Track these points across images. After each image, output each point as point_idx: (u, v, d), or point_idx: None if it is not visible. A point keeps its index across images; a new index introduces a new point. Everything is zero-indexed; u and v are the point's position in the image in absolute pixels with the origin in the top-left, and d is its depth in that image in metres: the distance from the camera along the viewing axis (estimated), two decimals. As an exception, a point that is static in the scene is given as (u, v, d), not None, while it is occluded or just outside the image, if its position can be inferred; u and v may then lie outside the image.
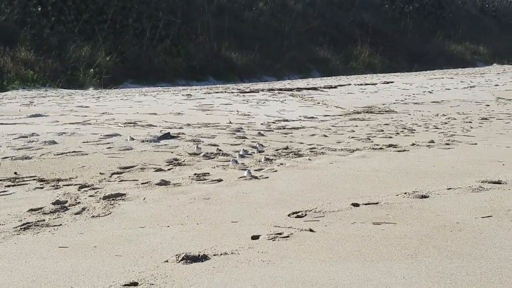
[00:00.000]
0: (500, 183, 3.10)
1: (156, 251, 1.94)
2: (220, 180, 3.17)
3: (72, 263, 1.84)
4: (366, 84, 11.44)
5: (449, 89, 10.46)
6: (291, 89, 10.15)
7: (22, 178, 3.17)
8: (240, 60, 13.27)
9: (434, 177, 3.30)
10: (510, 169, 3.57)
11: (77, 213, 2.46)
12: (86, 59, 11.05)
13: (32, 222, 2.27)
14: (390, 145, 4.62)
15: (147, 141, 4.57)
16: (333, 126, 6.12)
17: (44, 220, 2.33)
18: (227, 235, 2.12)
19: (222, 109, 7.49)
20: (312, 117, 6.90)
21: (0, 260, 1.86)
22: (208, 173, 3.38)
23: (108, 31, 11.98)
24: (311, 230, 2.16)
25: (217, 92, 9.92)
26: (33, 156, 3.77)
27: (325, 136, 5.30)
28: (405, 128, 5.92)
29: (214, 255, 1.89)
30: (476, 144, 4.77)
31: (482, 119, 6.77)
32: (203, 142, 4.72)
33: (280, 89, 10.13)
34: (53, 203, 2.59)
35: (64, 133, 4.77)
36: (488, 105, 8.22)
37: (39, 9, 10.77)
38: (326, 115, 7.13)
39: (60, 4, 11.43)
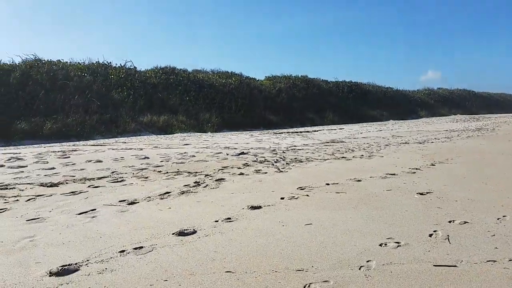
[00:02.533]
0: (395, 175, 5.68)
1: (239, 203, 4.06)
2: (265, 173, 5.98)
3: (202, 209, 3.82)
4: (331, 129, 18.76)
5: (369, 131, 16.84)
6: (297, 132, 17.54)
7: (181, 171, 6.23)
8: (274, 119, 24.59)
9: (364, 172, 5.88)
10: (399, 168, 6.23)
11: (204, 187, 4.95)
12: (207, 119, 20.30)
13: (185, 191, 4.75)
14: (343, 157, 7.80)
15: (234, 155, 7.89)
16: (316, 148, 9.59)
17: (189, 190, 4.78)
18: (269, 197, 4.45)
19: (266, 140, 11.74)
20: (306, 144, 10.74)
21: (164, 206, 4.08)
22: (261, 170, 6.22)
23: (217, 106, 22.16)
24: (307, 195, 4.86)
25: (264, 134, 16.39)
26: (185, 162, 6.95)
27: (312, 152, 8.61)
28: (349, 149, 9.31)
29: (264, 206, 3.97)
30: (383, 156, 7.92)
31: (385, 145, 10.38)
32: (258, 155, 8.00)
33: (292, 132, 17.16)
34: (194, 182, 5.23)
35: (197, 152, 8.44)
36: (389, 139, 12.72)
37: (187, 98, 21.44)
38: (312, 143, 10.87)
39: (197, 93, 22.11)
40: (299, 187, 4.93)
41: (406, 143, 11.12)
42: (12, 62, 18.00)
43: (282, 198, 4.36)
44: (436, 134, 14.78)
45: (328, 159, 7.66)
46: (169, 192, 4.67)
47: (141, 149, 8.90)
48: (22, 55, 19.61)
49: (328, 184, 5.13)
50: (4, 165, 6.33)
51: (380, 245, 2.86)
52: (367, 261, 2.55)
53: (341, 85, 35.32)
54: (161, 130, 17.63)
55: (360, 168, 6.48)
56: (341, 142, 11.61)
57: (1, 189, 4.74)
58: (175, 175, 5.82)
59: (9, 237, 3.05)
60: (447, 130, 16.83)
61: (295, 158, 7.69)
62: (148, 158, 7.40)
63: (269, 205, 4.06)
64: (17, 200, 4.24)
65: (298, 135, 15.28)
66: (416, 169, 6.28)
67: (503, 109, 55.56)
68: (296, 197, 4.42)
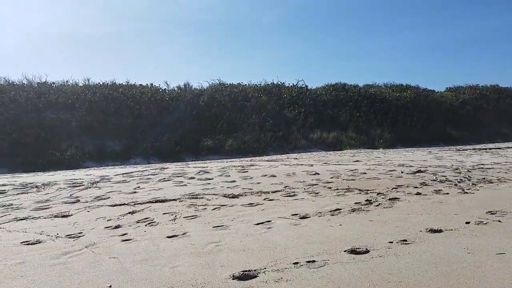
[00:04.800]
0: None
1: (416, 225, 3.84)
2: (447, 193, 5.41)
3: (374, 228, 3.71)
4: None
5: None
6: (485, 148, 14.72)
7: (351, 188, 6.02)
8: (456, 135, 22.28)
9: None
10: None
11: (376, 205, 4.76)
12: (378, 135, 19.76)
13: (356, 208, 4.62)
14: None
15: (409, 173, 7.40)
16: (510, 167, 7.61)
17: (361, 208, 4.67)
18: (452, 221, 3.95)
19: (447, 158, 10.76)
20: (497, 162, 8.33)
21: (334, 222, 4.12)
22: (441, 190, 5.66)
23: (389, 121, 21.17)
24: (499, 221, 4.15)
25: (444, 150, 14.27)
26: (355, 179, 6.92)
27: (506, 172, 6.98)
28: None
29: (445, 230, 3.72)
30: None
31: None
32: (438, 174, 7.29)
33: (479, 149, 14.72)
34: (365, 200, 5.07)
35: (369, 168, 8.31)
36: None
37: (357, 113, 21.07)
38: (505, 162, 8.31)
39: (368, 108, 21.67)
40: (489, 211, 4.33)
41: None
42: (201, 87, 21.08)
43: (467, 223, 3.89)
44: None
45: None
46: (340, 209, 4.64)
47: (311, 165, 9.14)
48: (209, 80, 22.74)
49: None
50: (195, 177, 7.36)
51: None
52: None
53: (545, 93, 29.48)
54: (330, 147, 17.87)
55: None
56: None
57: (193, 198, 5.51)
58: (345, 192, 5.77)
59: (199, 241, 3.50)
60: None
61: (483, 178, 6.74)
62: (318, 174, 7.55)
63: (451, 229, 3.66)
64: (205, 208, 4.85)
65: (486, 152, 13.36)
66: None
67: None
68: (484, 222, 3.90)
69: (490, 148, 15.23)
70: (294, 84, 23.59)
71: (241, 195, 5.63)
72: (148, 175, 7.78)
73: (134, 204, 5.11)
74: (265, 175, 7.44)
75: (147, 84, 19.54)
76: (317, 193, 5.69)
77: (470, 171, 7.68)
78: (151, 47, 56.80)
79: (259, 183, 6.67)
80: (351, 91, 23.63)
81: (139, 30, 55.15)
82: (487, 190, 5.68)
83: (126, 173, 8.16)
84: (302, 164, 9.40)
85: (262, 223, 4.06)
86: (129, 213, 4.62)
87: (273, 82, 23.02)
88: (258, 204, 5.01)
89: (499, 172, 7.56)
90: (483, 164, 8.94)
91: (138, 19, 55.07)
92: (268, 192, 5.81)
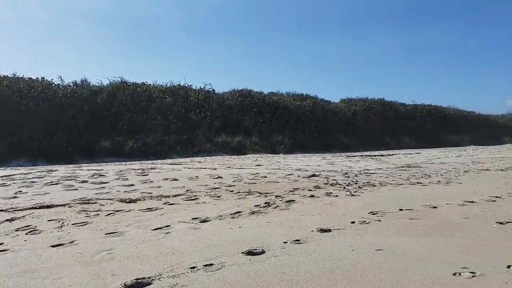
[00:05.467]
0: (473, 202, 5.19)
1: (308, 226, 3.95)
2: (336, 196, 5.81)
3: (271, 230, 3.81)
4: (407, 154, 20.09)
5: (448, 156, 14.03)
6: (371, 156, 18.43)
7: (252, 192, 6.14)
8: (348, 142, 23.76)
9: (440, 198, 5.32)
10: (478, 196, 5.65)
11: (274, 208, 4.93)
12: (279, 141, 20.50)
13: (255, 211, 4.73)
14: (418, 182, 7.18)
15: (305, 177, 7.79)
16: (390, 173, 9.75)
17: (260, 210, 4.77)
18: (340, 221, 4.29)
19: (339, 163, 11.61)
20: (380, 168, 11.07)
21: (234, 225, 4.50)
22: (332, 193, 6.06)
23: (290, 128, 22.26)
24: (379, 220, 4.67)
25: (337, 157, 16.25)
26: (256, 182, 7.01)
27: (386, 177, 8.31)
28: (425, 175, 9.12)
29: (334, 229, 3.86)
30: (461, 183, 7.42)
31: (464, 171, 10.26)
32: (330, 178, 7.78)
33: (366, 155, 17.55)
34: (265, 203, 5.19)
35: (269, 173, 8.47)
36: (468, 165, 11.72)
37: (261, 119, 21.70)
38: (387, 168, 10.69)
39: (271, 115, 22.54)
40: (371, 212, 4.74)
41: (487, 169, 10.36)
42: (100, 84, 19.78)
43: (352, 222, 4.22)
44: (527, 160, 13.38)
45: (402, 184, 7.33)
46: (240, 212, 4.72)
47: (215, 169, 9.17)
48: (110, 77, 21.42)
49: (401, 209, 4.88)
50: (88, 181, 6.87)
51: (454, 274, 2.65)
52: (447, 295, 2.34)
53: (420, 108, 33.62)
54: (234, 151, 18.13)
55: (436, 194, 6.10)
56: (417, 167, 10.98)
57: (84, 203, 5.13)
58: (246, 195, 5.88)
59: (88, 249, 3.26)
60: (538, 157, 15.16)
61: (368, 182, 7.42)
62: (221, 177, 7.59)
63: (339, 229, 3.95)
64: (98, 214, 4.55)
65: (372, 158, 14.77)
66: (497, 197, 5.77)
67: None
68: (367, 221, 4.26)
69: (375, 155, 16.85)
70: (202, 87, 23.49)
71: (139, 200, 5.40)
72: (33, 178, 7.04)
73: (14, 210, 4.58)
74: (167, 179, 7.25)
75: (37, 78, 17.71)
76: (219, 197, 5.71)
77: (357, 176, 8.41)
78: (44, 38, 51.90)
79: (160, 186, 6.47)
80: (256, 97, 24.32)
81: (30, 19, 50.02)
82: (370, 192, 6.25)
83: (6, 176, 7.29)
84: (205, 168, 9.37)
85: (161, 228, 3.94)
86: (7, 220, 4.14)
87: (179, 84, 22.62)
88: (157, 209, 4.85)
89: (381, 176, 8.41)
90: (368, 170, 9.86)
91: (31, 5, 49.95)
92: (168, 196, 5.67)
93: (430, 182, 7.59)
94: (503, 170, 10.17)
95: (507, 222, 4.21)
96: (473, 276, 2.62)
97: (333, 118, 25.99)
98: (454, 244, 3.38)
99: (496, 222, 4.22)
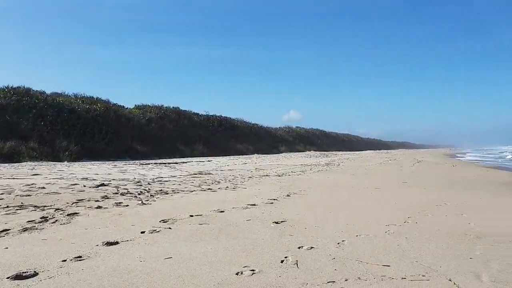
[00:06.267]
0: (255, 205, 6.01)
1: (93, 240, 3.92)
2: (127, 206, 5.64)
3: (48, 248, 3.50)
4: (200, 161, 22.84)
5: (236, 164, 21.15)
6: (165, 163, 17.31)
7: (25, 205, 5.30)
8: (142, 150, 23.58)
9: (227, 203, 5.98)
10: (259, 199, 6.55)
11: (53, 222, 4.36)
12: (64, 147, 18.71)
13: (28, 227, 4.10)
14: (209, 189, 7.88)
15: (92, 186, 7.24)
16: (183, 180, 10.21)
17: (34, 226, 4.17)
18: (129, 232, 4.20)
19: (131, 171, 11.32)
20: (174, 175, 11.54)
21: (12, 245, 4.00)
22: (122, 202, 5.87)
23: (77, 133, 20.75)
24: (169, 228, 4.79)
25: (129, 165, 15.56)
26: (31, 195, 6.07)
27: (179, 184, 8.75)
28: (215, 181, 9.96)
29: (121, 241, 3.89)
30: (246, 188, 8.40)
31: (249, 177, 11.84)
32: (120, 187, 7.55)
33: (160, 163, 18.13)
34: (41, 218, 4.58)
35: (49, 183, 7.54)
36: (252, 171, 14.75)
37: (42, 122, 19.73)
38: (180, 175, 11.77)
39: (54, 118, 20.45)
40: (162, 220, 4.78)
41: (267, 175, 11.79)
42: None
43: (142, 232, 4.16)
44: (293, 167, 16.08)
45: (194, 190, 7.68)
46: (8, 230, 4.06)
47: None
48: None
49: (192, 215, 5.09)
50: None
51: (237, 274, 2.91)
52: (225, 293, 2.58)
53: (212, 119, 36.55)
54: (5, 158, 15.47)
55: (224, 199, 6.61)
56: (209, 174, 11.75)
57: None
58: (17, 209, 5.10)
59: None
60: (302, 165, 18.44)
61: (161, 190, 7.50)
62: (-17, 190, 6.35)
63: (127, 240, 3.84)
64: None
65: (166, 166, 15.00)
66: (274, 199, 6.68)
67: (347, 148, 65.05)
68: (158, 230, 4.27)
69: (169, 163, 17.19)
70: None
71: None
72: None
73: None
74: None
75: None
76: (-20, 214, 4.76)
77: (150, 184, 8.42)
78: None
79: None
80: (36, 97, 21.45)
81: None
82: (163, 200, 6.32)
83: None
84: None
85: None
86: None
87: None
88: None
89: (174, 184, 8.65)
90: (162, 177, 10.00)
91: None
92: None
93: (219, 188, 8.15)
94: (279, 176, 11.73)
95: (282, 222, 4.79)
96: (253, 274, 2.89)
97: (127, 124, 25.31)
98: (238, 245, 3.67)
99: (273, 222, 4.76)
